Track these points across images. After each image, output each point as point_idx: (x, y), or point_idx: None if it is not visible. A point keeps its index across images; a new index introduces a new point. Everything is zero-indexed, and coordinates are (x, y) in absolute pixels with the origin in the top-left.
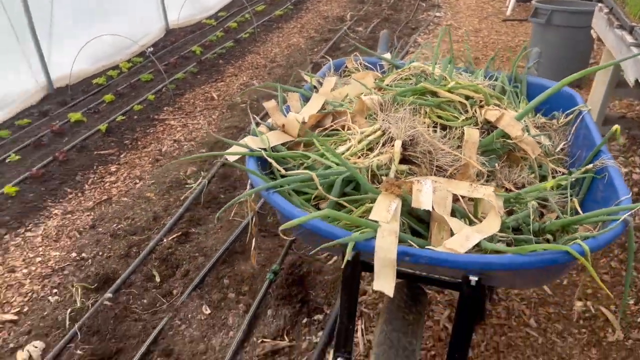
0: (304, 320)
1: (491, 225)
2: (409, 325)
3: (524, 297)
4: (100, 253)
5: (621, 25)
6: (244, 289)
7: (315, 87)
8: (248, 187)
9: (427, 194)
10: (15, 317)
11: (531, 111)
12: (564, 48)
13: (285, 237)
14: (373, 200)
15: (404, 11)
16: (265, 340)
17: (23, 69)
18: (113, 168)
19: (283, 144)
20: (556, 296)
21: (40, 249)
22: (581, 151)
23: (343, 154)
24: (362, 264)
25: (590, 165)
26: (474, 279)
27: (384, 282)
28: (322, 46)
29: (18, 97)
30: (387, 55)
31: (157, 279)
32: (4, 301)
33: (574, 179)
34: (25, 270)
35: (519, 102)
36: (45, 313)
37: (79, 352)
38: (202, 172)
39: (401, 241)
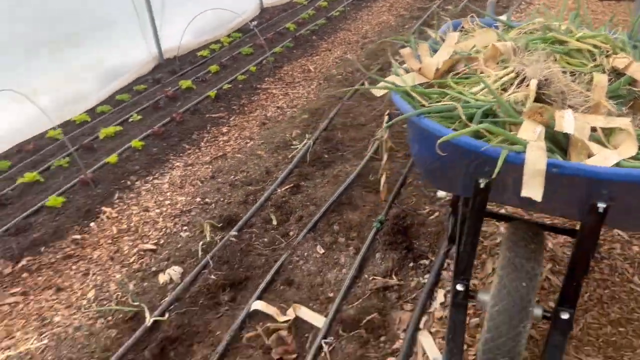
0: (411, 264)
1: (628, 149)
2: (532, 252)
3: (627, 257)
4: (222, 199)
5: None
6: (352, 234)
7: (439, 41)
8: (384, 123)
9: (569, 120)
10: (154, 247)
11: None
12: None
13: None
14: (515, 127)
15: None
16: (375, 277)
17: (139, 42)
18: (224, 129)
19: (420, 85)
20: None
21: (168, 194)
22: None
23: (476, 94)
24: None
25: None
26: (602, 205)
27: (533, 189)
28: (412, 23)
29: (134, 66)
30: (503, 17)
31: (274, 222)
32: (143, 234)
33: None
34: (157, 211)
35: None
36: (179, 245)
37: (212, 277)
38: (306, 135)
39: None
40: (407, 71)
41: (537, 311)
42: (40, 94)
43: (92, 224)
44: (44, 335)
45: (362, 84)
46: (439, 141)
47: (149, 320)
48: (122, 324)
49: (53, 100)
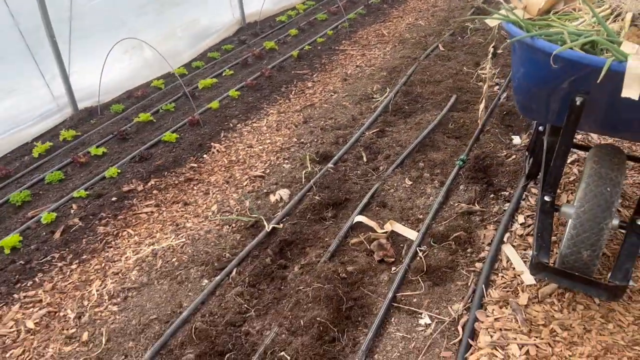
0: (491, 196)
1: None
2: (615, 164)
3: None
4: (315, 140)
5: None
6: (436, 171)
7: None
8: (489, 54)
9: None
10: (262, 175)
11: None
12: None
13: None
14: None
15: None
16: (460, 203)
17: (226, 6)
18: (309, 84)
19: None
20: None
21: (267, 134)
22: None
23: (577, 27)
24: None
25: None
26: None
27: (632, 90)
28: None
29: (221, 27)
30: None
31: (365, 159)
32: (251, 165)
33: None
34: (260, 147)
35: None
36: (284, 174)
37: (317, 198)
38: (387, 89)
39: None
40: (512, 9)
41: (615, 221)
42: (144, 47)
43: (205, 156)
44: (180, 235)
45: (455, 27)
46: (552, 54)
47: (268, 227)
48: (244, 231)
49: (155, 54)
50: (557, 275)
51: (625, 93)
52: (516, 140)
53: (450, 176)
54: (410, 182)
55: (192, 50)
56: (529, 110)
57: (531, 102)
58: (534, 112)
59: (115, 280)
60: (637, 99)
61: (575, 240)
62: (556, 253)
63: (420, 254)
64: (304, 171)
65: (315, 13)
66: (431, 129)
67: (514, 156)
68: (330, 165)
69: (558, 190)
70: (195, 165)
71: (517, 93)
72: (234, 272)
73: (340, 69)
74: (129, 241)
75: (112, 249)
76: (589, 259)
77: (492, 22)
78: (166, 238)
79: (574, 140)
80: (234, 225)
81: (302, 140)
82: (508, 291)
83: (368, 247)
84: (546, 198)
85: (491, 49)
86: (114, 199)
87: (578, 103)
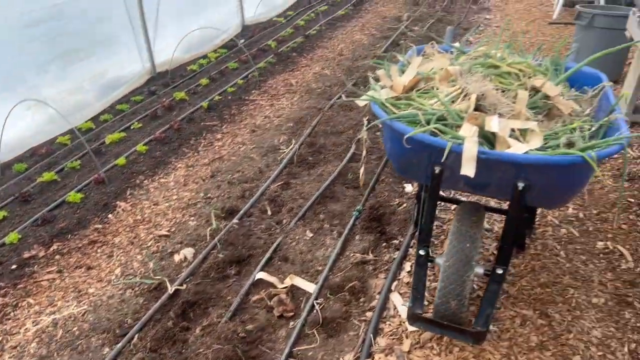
0: (384, 244)
1: (534, 143)
2: (474, 222)
3: (556, 237)
4: (222, 194)
5: None
6: (335, 222)
7: (406, 63)
8: (364, 126)
9: (495, 122)
10: (168, 233)
11: (565, 82)
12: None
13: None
14: (459, 129)
15: (456, 13)
16: (355, 254)
17: (134, 56)
18: (219, 136)
19: (392, 98)
20: (582, 237)
21: (174, 190)
22: (603, 114)
23: (433, 105)
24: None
25: (606, 119)
26: (521, 184)
27: (468, 169)
28: (383, 42)
29: (130, 78)
30: (457, 44)
31: (269, 212)
32: (156, 223)
33: (596, 128)
34: (166, 204)
35: (557, 78)
36: (189, 232)
37: (220, 255)
38: (292, 140)
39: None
40: (381, 87)
41: (480, 270)
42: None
43: (110, 216)
44: (82, 303)
45: (340, 97)
46: (405, 137)
47: (170, 289)
48: (147, 294)
49: (60, 110)
50: (430, 325)
51: (463, 171)
52: (408, 188)
53: (347, 227)
54: (311, 234)
55: (101, 102)
56: (403, 172)
57: (402, 167)
58: (407, 173)
59: (13, 355)
60: (472, 176)
61: (444, 291)
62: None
63: (317, 306)
64: (209, 228)
65: (226, 61)
66: (331, 181)
67: (405, 204)
68: (235, 221)
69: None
70: (100, 226)
71: (390, 159)
72: (135, 338)
73: (249, 119)
74: (29, 311)
75: (10, 321)
76: (456, 307)
77: (361, 102)
78: (68, 306)
79: (451, 195)
80: (137, 288)
81: (209, 195)
82: (394, 338)
83: (269, 303)
84: (421, 252)
85: (365, 121)
86: (13, 266)
87: (437, 172)
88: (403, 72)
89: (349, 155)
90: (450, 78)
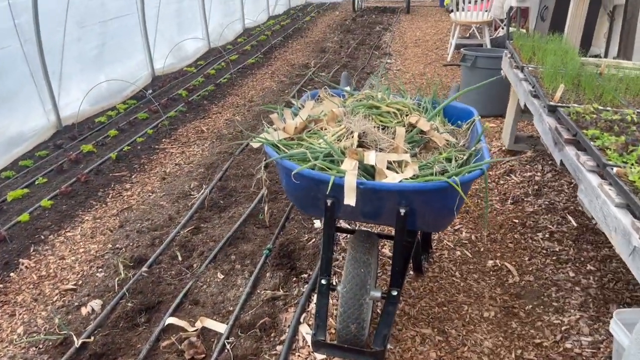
0: (294, 279)
1: (408, 172)
2: (367, 249)
3: (452, 259)
4: (131, 244)
5: (517, 65)
6: (246, 261)
7: (299, 107)
8: (262, 166)
9: (372, 156)
10: (74, 287)
11: (439, 117)
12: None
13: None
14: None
15: (360, 59)
16: (266, 291)
17: (38, 111)
18: (128, 185)
19: (284, 139)
20: (475, 258)
21: (81, 243)
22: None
23: (321, 144)
24: (335, 217)
25: (473, 148)
26: (402, 210)
27: (350, 198)
28: (292, 88)
29: (34, 133)
30: (347, 88)
31: (180, 258)
32: (62, 278)
33: (466, 157)
34: (73, 258)
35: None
36: (97, 284)
37: (129, 304)
38: (203, 185)
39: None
40: (275, 130)
41: (377, 293)
42: None
43: (12, 274)
44: None
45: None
46: (292, 173)
47: (77, 342)
48: (52, 350)
49: None
50: (332, 349)
51: (346, 201)
52: (317, 224)
53: (258, 265)
54: (222, 276)
55: (2, 159)
56: (302, 207)
57: (300, 203)
58: (306, 209)
59: None
60: (354, 205)
61: (344, 316)
62: None
63: (228, 346)
64: (117, 278)
65: (136, 112)
66: (242, 222)
67: (314, 239)
68: (144, 269)
69: None
70: (1, 286)
71: (287, 196)
72: None
73: (159, 167)
74: None
75: None
76: (356, 331)
77: (255, 144)
78: None
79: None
80: (41, 345)
81: (117, 245)
82: None
83: (179, 347)
84: (322, 281)
85: (263, 162)
86: None
87: (329, 204)
88: (297, 115)
89: (259, 196)
90: (337, 119)
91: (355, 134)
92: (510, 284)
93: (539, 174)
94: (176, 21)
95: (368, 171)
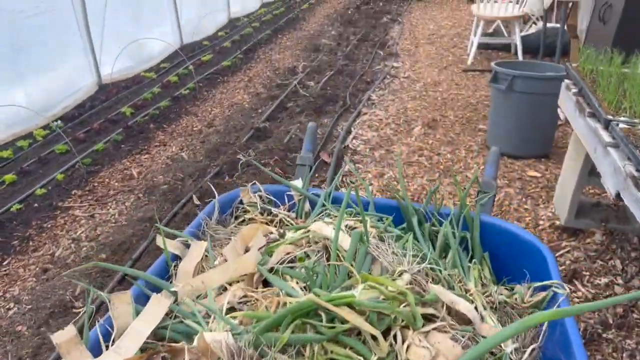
0: None
1: None
2: None
3: None
4: None
5: (593, 114)
6: None
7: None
8: None
9: None
10: None
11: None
12: (525, 115)
13: None
14: None
15: (359, 61)
16: None
17: None
18: None
19: None
20: None
21: None
22: (559, 353)
23: None
24: None
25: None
26: None
27: None
28: (268, 105)
29: None
30: (298, 183)
31: None
32: None
33: None
34: None
35: (469, 267)
36: None
37: None
38: (99, 287)
39: None
40: None
41: None
42: None
43: None
44: None
45: (191, 199)
46: None
47: None
48: None
49: None
50: None
51: None
52: None
53: None
54: None
55: None
56: None
57: None
58: None
59: None
60: None
61: None
62: None
63: None
64: None
65: (58, 141)
66: None
67: None
68: None
69: None
70: None
71: None
72: None
73: (48, 245)
74: None
75: None
76: None
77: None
78: None
79: None
80: None
81: None
82: None
83: None
84: None
85: None
86: None
87: None
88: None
89: None
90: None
91: None
92: None
93: (619, 278)
94: (134, 12)
95: None
